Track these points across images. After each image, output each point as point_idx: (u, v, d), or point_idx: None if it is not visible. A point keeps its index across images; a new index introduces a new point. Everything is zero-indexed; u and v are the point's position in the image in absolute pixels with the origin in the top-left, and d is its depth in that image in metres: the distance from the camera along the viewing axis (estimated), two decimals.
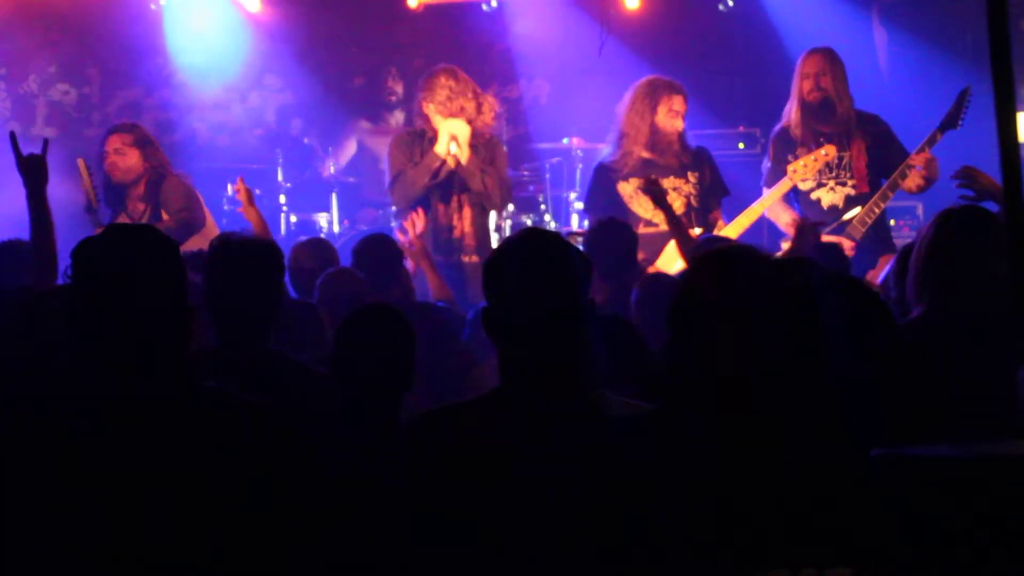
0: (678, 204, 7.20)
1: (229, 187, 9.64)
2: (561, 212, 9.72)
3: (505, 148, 7.68)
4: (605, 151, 7.56)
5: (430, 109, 7.24)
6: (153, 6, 10.06)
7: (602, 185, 7.39)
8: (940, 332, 3.63)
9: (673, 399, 2.75)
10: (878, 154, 7.19)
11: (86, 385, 2.67)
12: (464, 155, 7.11)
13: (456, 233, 7.30)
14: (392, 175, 7.32)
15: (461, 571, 2.71)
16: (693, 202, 7.32)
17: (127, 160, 7.41)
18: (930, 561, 2.10)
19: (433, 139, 7.21)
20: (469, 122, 7.17)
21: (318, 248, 6.10)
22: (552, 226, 9.41)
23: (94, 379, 2.66)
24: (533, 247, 2.81)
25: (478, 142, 7.24)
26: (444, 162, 7.14)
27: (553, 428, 2.74)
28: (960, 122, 6.90)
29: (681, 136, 7.40)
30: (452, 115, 7.17)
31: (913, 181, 6.95)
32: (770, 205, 7.24)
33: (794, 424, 2.53)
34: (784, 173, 7.18)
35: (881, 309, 2.70)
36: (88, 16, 10.08)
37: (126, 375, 2.65)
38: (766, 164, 7.46)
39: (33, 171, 5.02)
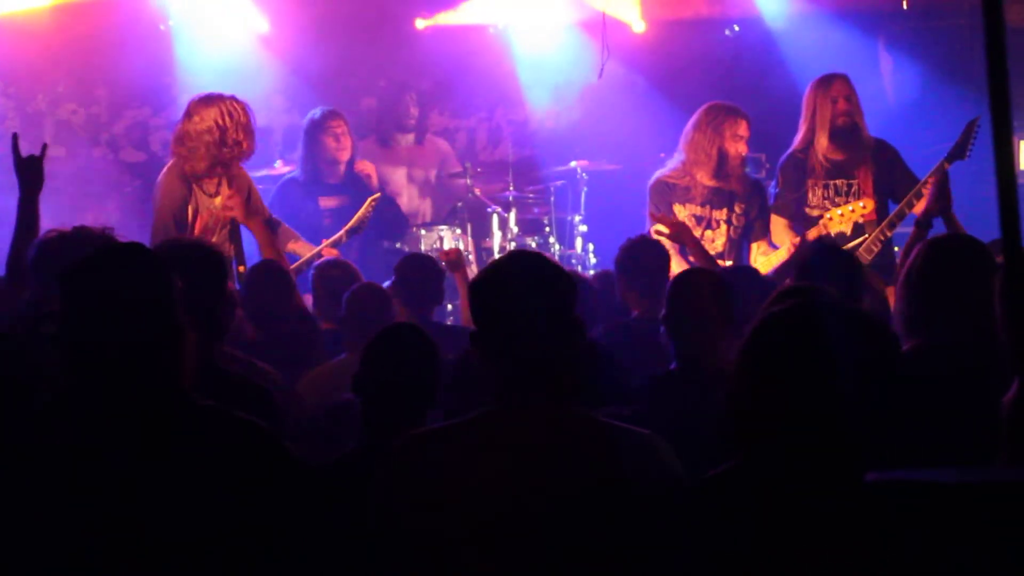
0: (721, 241, 7.24)
1: None
2: (566, 235, 9.72)
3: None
4: (661, 171, 7.46)
5: None
6: (162, 26, 10.08)
7: (663, 199, 7.32)
8: (927, 361, 3.63)
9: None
10: (886, 180, 7.18)
11: (80, 405, 2.67)
12: None
13: None
14: None
15: None
16: (733, 235, 7.32)
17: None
18: None
19: None
20: None
21: (345, 269, 6.21)
22: (556, 248, 9.42)
23: (88, 400, 2.66)
24: (521, 267, 2.81)
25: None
26: None
27: (544, 448, 2.73)
28: (968, 152, 6.85)
29: (744, 162, 7.39)
30: None
31: (921, 208, 6.87)
32: (776, 230, 7.25)
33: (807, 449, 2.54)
34: (796, 200, 7.19)
35: (889, 342, 2.70)
36: (97, 35, 10.11)
37: (118, 396, 2.65)
38: (772, 189, 7.44)
39: (30, 174, 5.04)
